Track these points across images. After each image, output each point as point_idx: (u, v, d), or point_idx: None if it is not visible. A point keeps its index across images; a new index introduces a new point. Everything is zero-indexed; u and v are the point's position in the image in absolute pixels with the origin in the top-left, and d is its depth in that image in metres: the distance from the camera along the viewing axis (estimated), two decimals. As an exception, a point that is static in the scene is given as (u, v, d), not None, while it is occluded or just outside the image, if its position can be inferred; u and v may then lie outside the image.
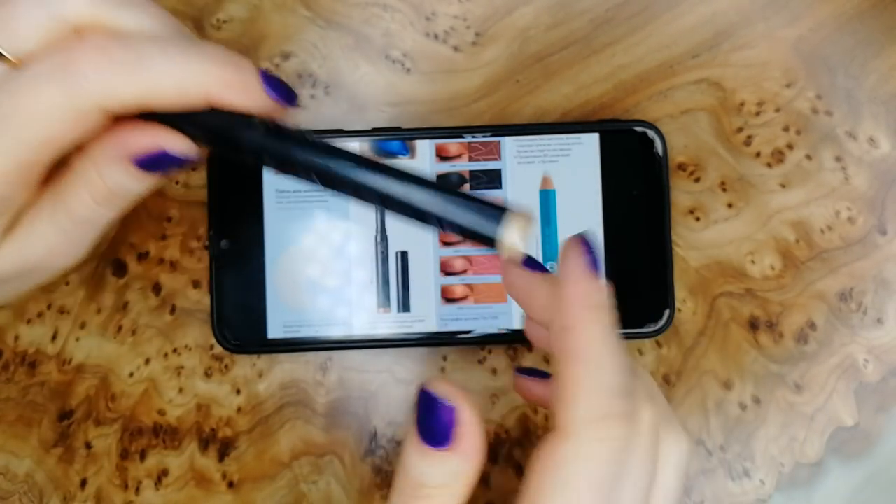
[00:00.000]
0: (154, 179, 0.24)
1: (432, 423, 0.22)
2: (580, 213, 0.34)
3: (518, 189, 0.34)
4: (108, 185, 0.24)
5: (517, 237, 0.22)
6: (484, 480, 0.35)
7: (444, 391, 0.23)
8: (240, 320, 0.33)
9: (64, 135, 0.22)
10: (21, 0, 0.22)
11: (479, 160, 0.33)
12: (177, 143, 0.23)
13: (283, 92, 0.23)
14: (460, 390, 0.23)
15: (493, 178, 0.33)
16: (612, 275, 0.34)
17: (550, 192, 0.33)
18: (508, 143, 0.34)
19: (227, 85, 0.22)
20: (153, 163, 0.24)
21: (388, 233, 0.32)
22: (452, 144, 0.34)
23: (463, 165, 0.33)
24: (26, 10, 0.22)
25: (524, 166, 0.33)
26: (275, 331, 0.33)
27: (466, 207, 0.22)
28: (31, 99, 0.22)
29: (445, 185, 0.23)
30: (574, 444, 0.21)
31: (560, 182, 0.34)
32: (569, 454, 0.21)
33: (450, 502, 0.23)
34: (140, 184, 0.24)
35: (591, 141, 0.34)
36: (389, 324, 0.32)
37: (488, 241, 0.22)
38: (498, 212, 0.22)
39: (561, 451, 0.21)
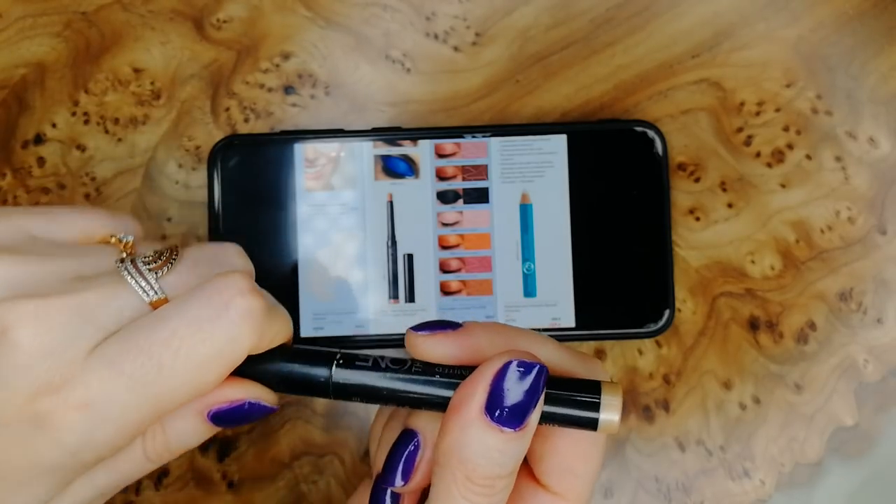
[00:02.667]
0: (211, 434, 0.23)
1: (516, 401, 0.21)
2: (555, 223, 0.34)
3: (502, 203, 0.35)
4: (170, 440, 0.23)
5: (617, 414, 0.22)
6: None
7: (528, 357, 0.21)
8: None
9: (210, 386, 0.21)
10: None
11: (470, 181, 0.34)
12: (264, 395, 0.23)
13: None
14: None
15: (482, 195, 0.35)
16: (612, 275, 0.34)
17: (528, 206, 0.35)
18: (494, 164, 0.34)
19: None
20: (232, 416, 0.23)
21: (397, 239, 0.34)
22: (449, 144, 0.34)
23: (458, 184, 0.34)
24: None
25: (507, 185, 0.35)
26: (306, 326, 0.34)
27: (562, 403, 0.22)
28: (194, 344, 0.21)
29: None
30: None
31: (536, 196, 0.35)
32: None
33: (510, 489, 0.22)
34: (199, 439, 0.23)
35: (562, 148, 0.34)
36: (398, 312, 0.34)
37: (591, 427, 0.22)
38: (594, 396, 0.22)
39: None
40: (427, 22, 0.36)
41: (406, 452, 0.24)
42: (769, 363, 0.35)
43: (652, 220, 0.35)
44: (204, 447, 0.35)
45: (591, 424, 0.22)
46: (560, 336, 0.34)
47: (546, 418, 0.22)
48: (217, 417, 0.22)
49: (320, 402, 0.35)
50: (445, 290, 0.34)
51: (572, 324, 0.34)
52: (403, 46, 0.36)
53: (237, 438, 0.35)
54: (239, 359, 0.22)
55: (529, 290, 0.34)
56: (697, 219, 0.36)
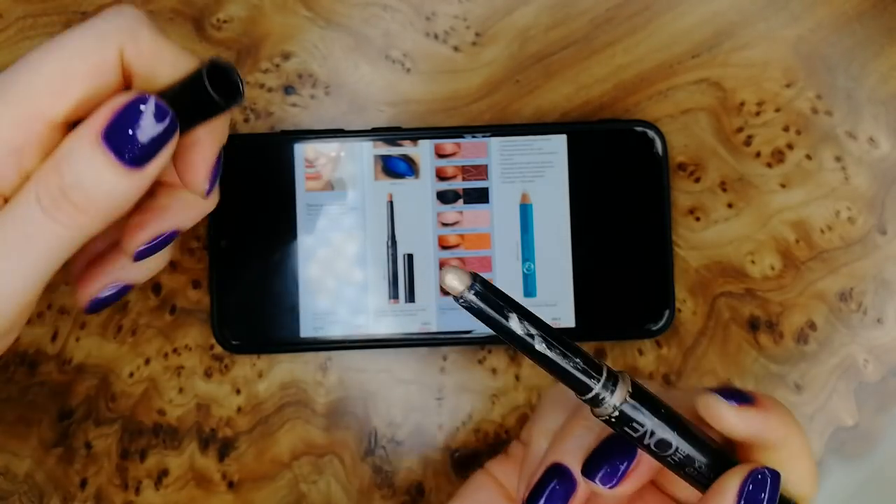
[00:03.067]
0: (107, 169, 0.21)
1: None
2: (555, 223, 0.34)
3: (502, 203, 0.35)
4: (64, 176, 0.21)
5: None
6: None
7: (769, 466, 0.21)
8: (270, 318, 0.34)
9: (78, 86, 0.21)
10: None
11: (470, 181, 0.34)
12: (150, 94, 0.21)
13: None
14: None
15: (482, 195, 0.35)
16: (612, 275, 0.34)
17: (528, 206, 0.35)
18: (494, 164, 0.34)
19: None
20: (121, 124, 0.21)
21: (397, 239, 0.34)
22: (449, 144, 0.34)
23: (458, 184, 0.34)
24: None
25: (507, 185, 0.35)
26: (306, 326, 0.34)
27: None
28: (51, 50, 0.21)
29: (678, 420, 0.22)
30: None
31: (536, 196, 0.34)
32: None
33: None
34: (96, 176, 0.21)
35: (562, 148, 0.34)
36: (397, 312, 0.34)
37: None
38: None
39: None
40: (427, 22, 0.36)
41: (622, 458, 0.23)
42: (769, 363, 0.35)
43: (652, 220, 0.35)
44: (204, 447, 0.35)
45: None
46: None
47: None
48: (110, 132, 0.20)
49: (320, 402, 0.35)
50: (445, 291, 0.34)
51: (572, 324, 0.34)
52: (403, 46, 0.36)
53: (237, 438, 0.35)
54: (99, 47, 0.21)
55: (529, 290, 0.34)
56: (697, 219, 0.36)
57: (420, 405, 0.35)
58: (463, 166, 0.35)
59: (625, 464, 0.23)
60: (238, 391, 0.35)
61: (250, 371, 0.35)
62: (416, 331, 0.34)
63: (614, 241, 0.35)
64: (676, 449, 0.22)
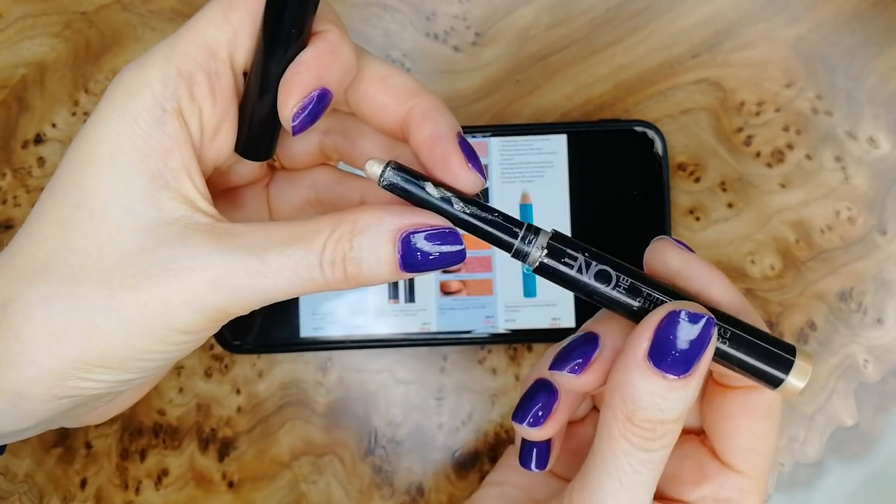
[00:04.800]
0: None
1: (682, 348, 0.21)
2: (555, 223, 0.35)
3: (502, 203, 0.35)
4: (354, 250, 0.22)
5: (804, 381, 0.22)
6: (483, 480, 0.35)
7: (696, 308, 0.22)
8: (272, 321, 0.34)
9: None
10: None
11: None
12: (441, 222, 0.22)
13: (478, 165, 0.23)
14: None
15: (482, 195, 0.35)
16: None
17: (528, 206, 0.35)
18: (494, 164, 0.34)
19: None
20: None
21: None
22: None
23: None
24: None
25: (507, 185, 0.35)
26: (306, 326, 0.34)
27: (755, 352, 0.22)
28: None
29: (735, 321, 0.23)
30: None
31: (536, 196, 0.34)
32: None
33: (675, 438, 0.22)
34: (380, 263, 0.22)
35: (562, 148, 0.34)
36: (398, 312, 0.34)
37: (773, 384, 0.23)
38: (787, 357, 0.22)
39: None
40: (427, 22, 0.36)
41: (583, 351, 0.25)
42: (769, 363, 0.35)
43: (652, 220, 0.35)
44: (204, 447, 0.35)
45: (775, 382, 0.23)
46: (560, 337, 0.34)
47: (736, 362, 0.23)
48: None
49: (320, 402, 0.35)
50: (445, 290, 0.34)
51: (572, 324, 0.34)
52: (403, 46, 0.36)
53: (237, 438, 0.35)
54: (207, 32, 0.22)
55: (529, 290, 0.34)
56: (697, 219, 0.36)
57: (420, 405, 0.35)
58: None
59: (590, 352, 0.24)
60: (238, 391, 0.35)
61: (250, 371, 0.35)
62: (416, 331, 0.34)
63: (614, 240, 0.35)
64: (618, 279, 0.22)
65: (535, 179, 0.35)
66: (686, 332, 0.21)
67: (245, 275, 0.21)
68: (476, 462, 0.35)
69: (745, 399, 0.25)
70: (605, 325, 0.25)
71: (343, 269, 0.21)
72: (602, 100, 0.36)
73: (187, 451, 0.35)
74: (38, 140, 0.36)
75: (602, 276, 0.23)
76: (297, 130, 0.22)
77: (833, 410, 0.35)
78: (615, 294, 0.23)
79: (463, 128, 0.34)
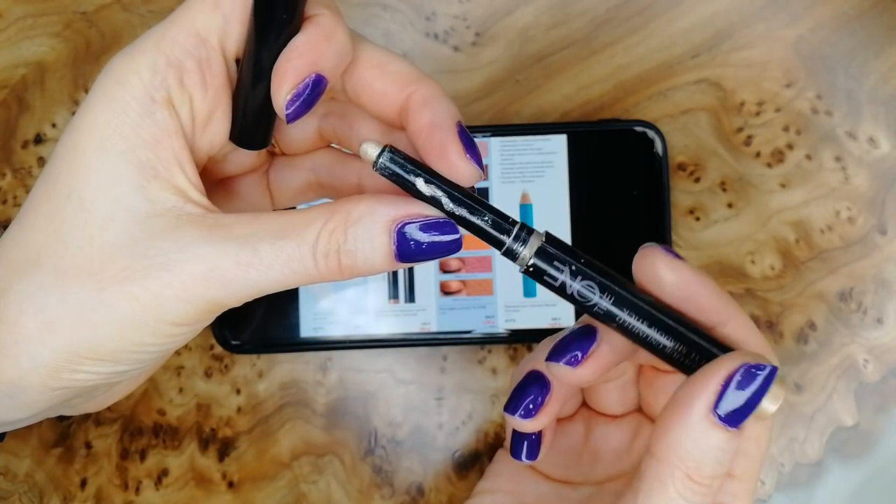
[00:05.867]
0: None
1: (748, 399, 0.21)
2: (555, 223, 0.34)
3: (502, 203, 0.35)
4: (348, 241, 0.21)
5: (775, 406, 0.22)
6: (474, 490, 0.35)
7: (761, 359, 0.21)
8: (274, 320, 0.34)
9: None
10: None
11: None
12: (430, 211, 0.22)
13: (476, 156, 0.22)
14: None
15: (482, 195, 0.35)
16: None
17: (528, 206, 0.35)
18: (494, 164, 0.34)
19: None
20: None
21: None
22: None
23: None
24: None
25: (507, 185, 0.35)
26: (306, 326, 0.34)
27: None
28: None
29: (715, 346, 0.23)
30: None
31: (536, 196, 0.35)
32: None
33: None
34: (375, 255, 0.22)
35: (562, 148, 0.34)
36: (398, 312, 0.34)
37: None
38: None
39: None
40: (427, 22, 0.36)
41: (580, 344, 0.24)
42: (769, 363, 0.35)
43: (652, 220, 0.35)
44: (204, 447, 0.35)
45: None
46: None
47: None
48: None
49: (320, 402, 0.35)
50: (445, 290, 0.34)
51: (572, 324, 0.34)
52: (403, 46, 0.36)
53: (237, 438, 0.35)
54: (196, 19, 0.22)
55: (529, 290, 0.34)
56: (697, 219, 0.36)
57: (420, 405, 0.35)
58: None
59: (587, 346, 0.24)
60: (238, 391, 0.35)
61: (250, 371, 0.35)
62: (416, 331, 0.34)
63: (614, 241, 0.35)
64: (602, 295, 0.22)
65: (535, 179, 0.35)
66: (753, 384, 0.21)
67: (236, 267, 0.20)
68: (476, 462, 0.35)
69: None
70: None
71: (337, 261, 0.21)
72: (602, 100, 0.36)
73: (187, 451, 0.35)
74: (38, 140, 0.36)
75: (588, 290, 0.22)
76: (291, 118, 0.21)
77: (833, 410, 0.35)
78: (602, 306, 0.22)
79: (463, 128, 0.35)
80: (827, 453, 0.35)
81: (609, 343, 0.24)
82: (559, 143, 0.35)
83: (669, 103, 0.36)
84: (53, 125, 0.36)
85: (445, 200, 0.22)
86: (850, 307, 0.35)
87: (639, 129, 0.35)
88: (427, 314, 0.34)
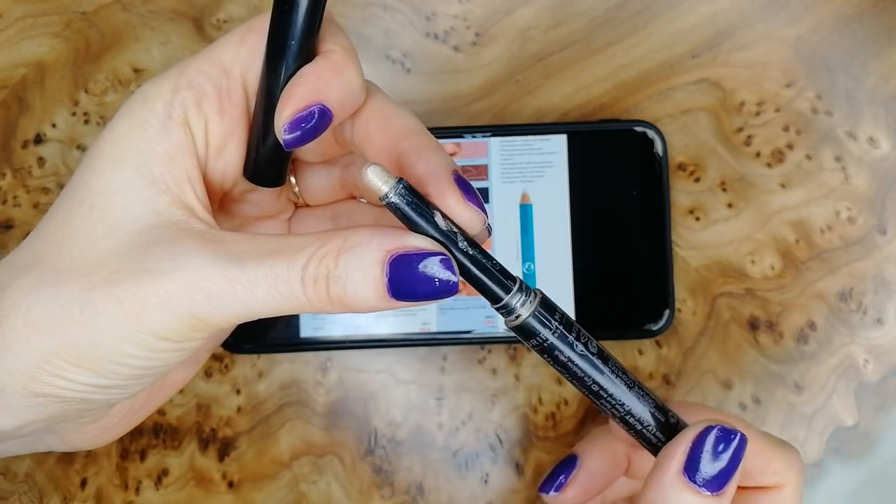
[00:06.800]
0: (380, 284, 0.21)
1: (717, 464, 0.22)
2: (555, 223, 0.34)
3: (502, 203, 0.34)
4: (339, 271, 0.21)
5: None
6: (484, 480, 0.35)
7: (728, 424, 0.23)
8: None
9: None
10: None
11: (470, 180, 0.34)
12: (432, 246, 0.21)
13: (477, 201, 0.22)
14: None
15: (481, 195, 0.34)
16: (612, 275, 0.34)
17: (528, 206, 0.35)
18: (494, 164, 0.34)
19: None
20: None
21: None
22: (449, 144, 0.34)
23: None
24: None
25: (507, 185, 0.35)
26: (306, 326, 0.34)
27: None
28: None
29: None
30: None
31: (536, 196, 0.34)
32: None
33: None
34: (366, 288, 0.21)
35: (562, 148, 0.34)
36: (398, 312, 0.34)
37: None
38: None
39: None
40: (427, 22, 0.36)
41: (564, 471, 0.29)
42: (769, 363, 0.35)
43: (652, 220, 0.35)
44: (204, 447, 0.35)
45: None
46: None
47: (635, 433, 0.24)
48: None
49: (320, 402, 0.35)
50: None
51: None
52: (403, 46, 0.36)
53: (237, 438, 0.35)
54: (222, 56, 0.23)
55: (529, 290, 0.34)
56: (697, 219, 0.36)
57: (420, 405, 0.35)
58: (463, 166, 0.35)
59: (563, 476, 0.29)
60: (238, 391, 0.35)
61: (250, 371, 0.35)
62: (416, 331, 0.34)
63: (614, 241, 0.35)
64: (588, 368, 0.23)
65: (535, 179, 0.35)
66: (720, 448, 0.22)
67: (222, 280, 0.20)
68: (476, 462, 0.35)
69: (770, 499, 0.25)
70: (584, 447, 0.29)
71: (325, 289, 0.20)
72: (602, 100, 0.36)
73: (187, 451, 0.35)
74: (38, 140, 0.36)
75: (574, 367, 0.23)
76: (289, 144, 0.21)
77: (833, 410, 0.35)
78: (578, 367, 0.23)
79: (463, 128, 0.35)
80: (827, 453, 0.35)
81: (587, 468, 0.28)
82: (559, 143, 0.35)
83: (669, 103, 0.36)
84: (53, 125, 0.36)
85: (461, 238, 0.21)
86: (850, 307, 0.35)
87: (639, 129, 0.35)
88: (427, 314, 0.34)
